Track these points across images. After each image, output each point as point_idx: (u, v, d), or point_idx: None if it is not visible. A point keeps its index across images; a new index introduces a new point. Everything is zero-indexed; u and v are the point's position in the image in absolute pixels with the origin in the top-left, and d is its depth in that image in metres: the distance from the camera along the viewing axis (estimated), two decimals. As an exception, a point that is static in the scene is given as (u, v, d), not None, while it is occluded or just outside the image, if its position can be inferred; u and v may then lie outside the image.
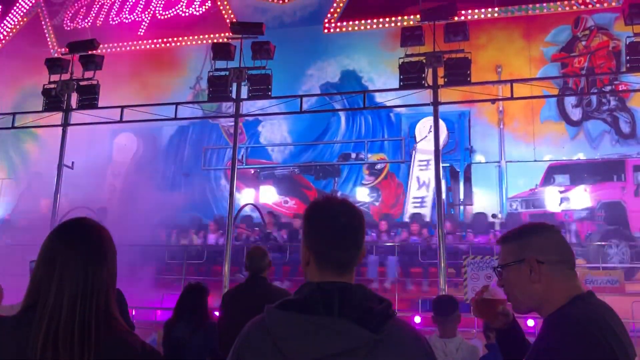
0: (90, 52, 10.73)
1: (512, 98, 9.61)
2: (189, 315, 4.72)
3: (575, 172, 12.28)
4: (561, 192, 12.00)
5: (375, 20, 14.68)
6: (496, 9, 13.77)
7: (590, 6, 13.30)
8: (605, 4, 13.18)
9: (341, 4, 15.07)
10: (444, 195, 11.54)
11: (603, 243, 10.61)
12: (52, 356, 1.50)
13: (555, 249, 1.81)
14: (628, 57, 8.76)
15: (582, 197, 11.79)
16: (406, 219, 12.75)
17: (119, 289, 5.27)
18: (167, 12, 16.33)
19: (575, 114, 12.92)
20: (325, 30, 15.09)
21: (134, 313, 9.12)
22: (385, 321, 1.49)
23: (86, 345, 1.53)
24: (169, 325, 4.84)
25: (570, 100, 12.96)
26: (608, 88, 12.68)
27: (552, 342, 1.63)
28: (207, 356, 4.61)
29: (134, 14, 16.68)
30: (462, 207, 13.06)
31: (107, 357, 1.53)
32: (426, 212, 12.77)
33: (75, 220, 1.75)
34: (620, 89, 12.40)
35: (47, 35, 17.20)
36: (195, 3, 16.25)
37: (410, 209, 12.98)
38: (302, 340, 1.45)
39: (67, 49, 10.92)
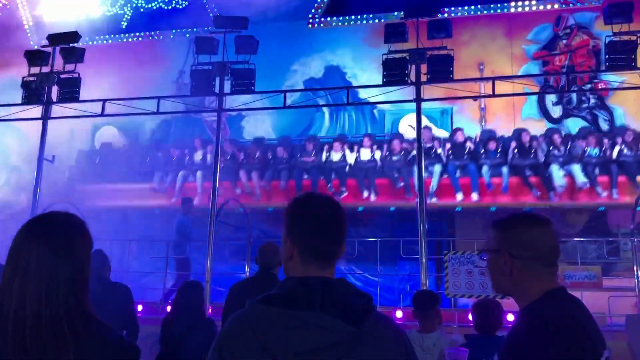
0: (71, 45, 10.58)
1: (493, 95, 9.67)
2: (187, 312, 4.73)
3: (555, 169, 12.39)
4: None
5: (359, 17, 14.70)
6: (479, 6, 13.87)
7: (571, 5, 13.45)
8: (586, 3, 13.34)
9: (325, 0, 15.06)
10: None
11: (582, 239, 10.77)
12: None
13: (532, 245, 1.80)
14: (607, 56, 8.89)
15: (561, 194, 11.92)
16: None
17: (126, 285, 5.20)
18: (149, 5, 16.15)
19: (556, 112, 13.09)
20: (310, 26, 15.07)
21: (140, 308, 9.05)
22: (366, 316, 1.51)
23: (62, 347, 1.47)
24: (166, 322, 4.86)
25: (550, 98, 13.12)
26: (588, 86, 12.85)
27: (520, 340, 1.66)
28: (204, 353, 4.62)
29: (116, 6, 16.47)
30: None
31: (85, 354, 1.49)
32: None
33: (42, 214, 1.68)
34: (599, 87, 12.58)
35: (26, 26, 16.89)
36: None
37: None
38: (284, 334, 1.46)
39: (48, 41, 10.76)
